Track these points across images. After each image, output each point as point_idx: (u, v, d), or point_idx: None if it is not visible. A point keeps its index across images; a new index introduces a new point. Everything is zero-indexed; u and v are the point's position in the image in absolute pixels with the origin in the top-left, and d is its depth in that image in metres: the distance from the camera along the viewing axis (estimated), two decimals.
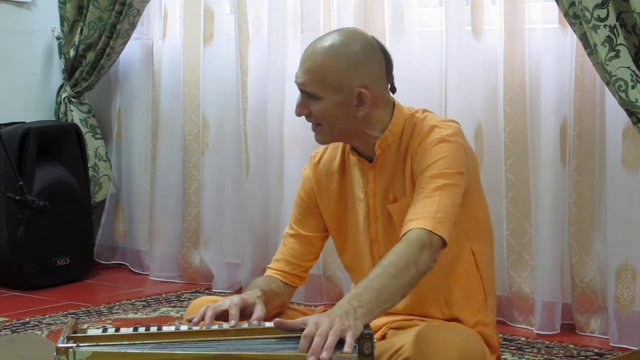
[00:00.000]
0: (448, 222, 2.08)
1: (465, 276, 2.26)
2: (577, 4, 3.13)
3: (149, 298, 4.20)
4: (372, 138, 2.23)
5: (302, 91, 2.20)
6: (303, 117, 2.23)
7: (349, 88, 2.17)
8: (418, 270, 2.00)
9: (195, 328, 1.91)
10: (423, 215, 2.06)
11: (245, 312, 2.09)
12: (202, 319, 2.04)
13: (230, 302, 2.07)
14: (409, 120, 2.24)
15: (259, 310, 2.08)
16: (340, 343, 1.79)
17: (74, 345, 1.81)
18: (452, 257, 2.21)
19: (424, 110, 2.28)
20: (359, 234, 2.30)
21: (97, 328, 1.95)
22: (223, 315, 2.06)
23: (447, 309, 2.26)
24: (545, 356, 3.27)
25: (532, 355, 3.27)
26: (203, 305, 2.11)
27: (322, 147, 2.38)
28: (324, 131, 2.22)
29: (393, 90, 2.28)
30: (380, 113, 2.22)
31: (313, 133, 2.25)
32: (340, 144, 2.33)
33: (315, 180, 2.36)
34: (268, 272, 2.36)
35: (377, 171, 2.25)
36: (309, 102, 2.19)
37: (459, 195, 2.13)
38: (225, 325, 1.97)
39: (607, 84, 3.12)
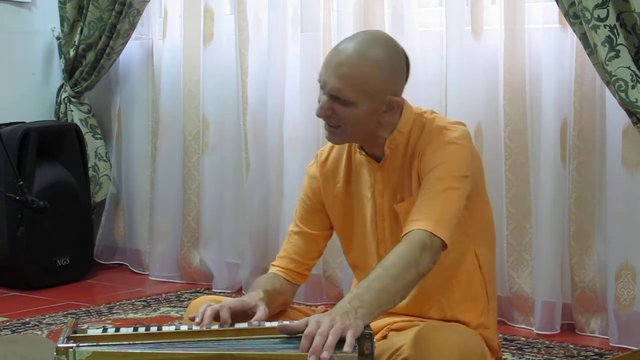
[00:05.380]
0: (450, 225, 2.08)
1: (468, 278, 2.27)
2: (577, 4, 3.13)
3: (149, 298, 4.20)
4: (382, 138, 2.22)
5: (331, 95, 2.15)
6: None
7: (382, 95, 2.16)
8: (418, 272, 2.01)
9: (195, 328, 1.92)
10: (426, 217, 2.07)
11: (246, 314, 2.08)
12: (203, 317, 2.03)
13: (222, 304, 2.05)
14: (417, 120, 2.23)
15: (261, 312, 2.08)
16: (341, 342, 1.79)
17: (74, 345, 1.81)
18: (455, 259, 2.22)
19: (432, 112, 2.27)
20: (366, 233, 2.30)
21: (97, 328, 1.95)
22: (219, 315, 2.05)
23: (449, 311, 2.26)
24: (545, 356, 3.27)
25: (532, 355, 3.27)
26: (203, 304, 2.11)
27: (329, 145, 2.37)
28: (343, 133, 2.20)
29: None
30: (395, 116, 2.22)
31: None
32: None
33: (322, 179, 2.35)
34: (272, 270, 2.36)
35: (384, 171, 2.25)
36: (336, 106, 2.16)
37: (462, 198, 2.13)
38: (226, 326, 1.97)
39: (607, 84, 3.12)
